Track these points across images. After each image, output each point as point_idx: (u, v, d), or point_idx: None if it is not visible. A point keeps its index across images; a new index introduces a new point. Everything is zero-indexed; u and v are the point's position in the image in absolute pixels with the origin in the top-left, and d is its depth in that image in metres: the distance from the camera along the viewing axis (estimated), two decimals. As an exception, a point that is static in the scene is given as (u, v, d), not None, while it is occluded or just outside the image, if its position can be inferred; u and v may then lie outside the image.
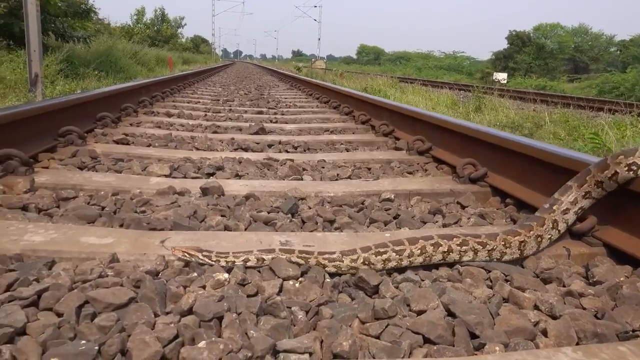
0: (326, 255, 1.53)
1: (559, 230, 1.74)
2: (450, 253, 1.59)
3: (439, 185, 2.60)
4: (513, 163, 2.41)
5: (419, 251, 1.56)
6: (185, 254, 1.53)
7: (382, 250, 1.54)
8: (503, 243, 1.62)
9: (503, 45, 57.55)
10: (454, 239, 1.60)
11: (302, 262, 1.53)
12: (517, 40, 53.85)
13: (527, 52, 52.93)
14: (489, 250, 1.61)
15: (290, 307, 1.30)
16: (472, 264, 1.60)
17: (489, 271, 1.58)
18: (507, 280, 1.52)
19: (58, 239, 1.64)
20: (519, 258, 1.67)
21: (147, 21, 53.81)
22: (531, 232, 1.66)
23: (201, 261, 1.53)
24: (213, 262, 1.53)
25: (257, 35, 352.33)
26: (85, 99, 3.86)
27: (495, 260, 1.64)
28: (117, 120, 4.21)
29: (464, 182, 2.63)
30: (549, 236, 1.71)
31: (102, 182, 2.36)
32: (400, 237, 1.61)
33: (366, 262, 1.52)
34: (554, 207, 1.74)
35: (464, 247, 1.60)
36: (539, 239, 1.68)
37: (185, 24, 61.96)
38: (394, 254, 1.54)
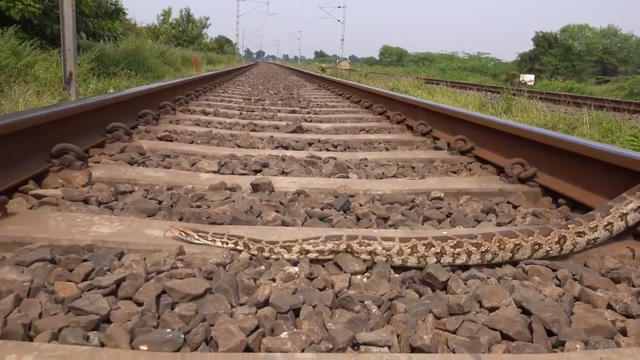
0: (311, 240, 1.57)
1: (562, 248, 1.66)
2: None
3: (487, 185, 2.57)
4: (565, 163, 2.37)
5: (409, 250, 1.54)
6: (182, 232, 1.60)
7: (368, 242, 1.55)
8: (498, 244, 1.58)
9: (529, 46, 56.78)
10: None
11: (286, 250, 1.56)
12: (544, 41, 52.97)
13: (553, 53, 52.04)
14: (482, 252, 1.57)
15: (363, 301, 1.30)
16: (537, 262, 1.59)
17: (555, 270, 1.56)
18: (575, 279, 1.51)
19: (124, 231, 1.67)
20: (509, 261, 1.62)
21: (172, 21, 54.43)
22: (530, 238, 1.62)
23: (196, 241, 1.59)
24: (210, 242, 1.59)
25: (280, 36, 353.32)
26: (128, 97, 3.93)
27: (487, 261, 1.59)
28: (157, 118, 4.27)
29: (512, 182, 2.60)
30: (548, 249, 1.64)
31: (155, 177, 2.40)
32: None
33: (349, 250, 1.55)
34: (570, 226, 1.69)
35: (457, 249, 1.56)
36: (537, 246, 1.63)
37: (210, 24, 62.49)
38: (380, 247, 1.54)
